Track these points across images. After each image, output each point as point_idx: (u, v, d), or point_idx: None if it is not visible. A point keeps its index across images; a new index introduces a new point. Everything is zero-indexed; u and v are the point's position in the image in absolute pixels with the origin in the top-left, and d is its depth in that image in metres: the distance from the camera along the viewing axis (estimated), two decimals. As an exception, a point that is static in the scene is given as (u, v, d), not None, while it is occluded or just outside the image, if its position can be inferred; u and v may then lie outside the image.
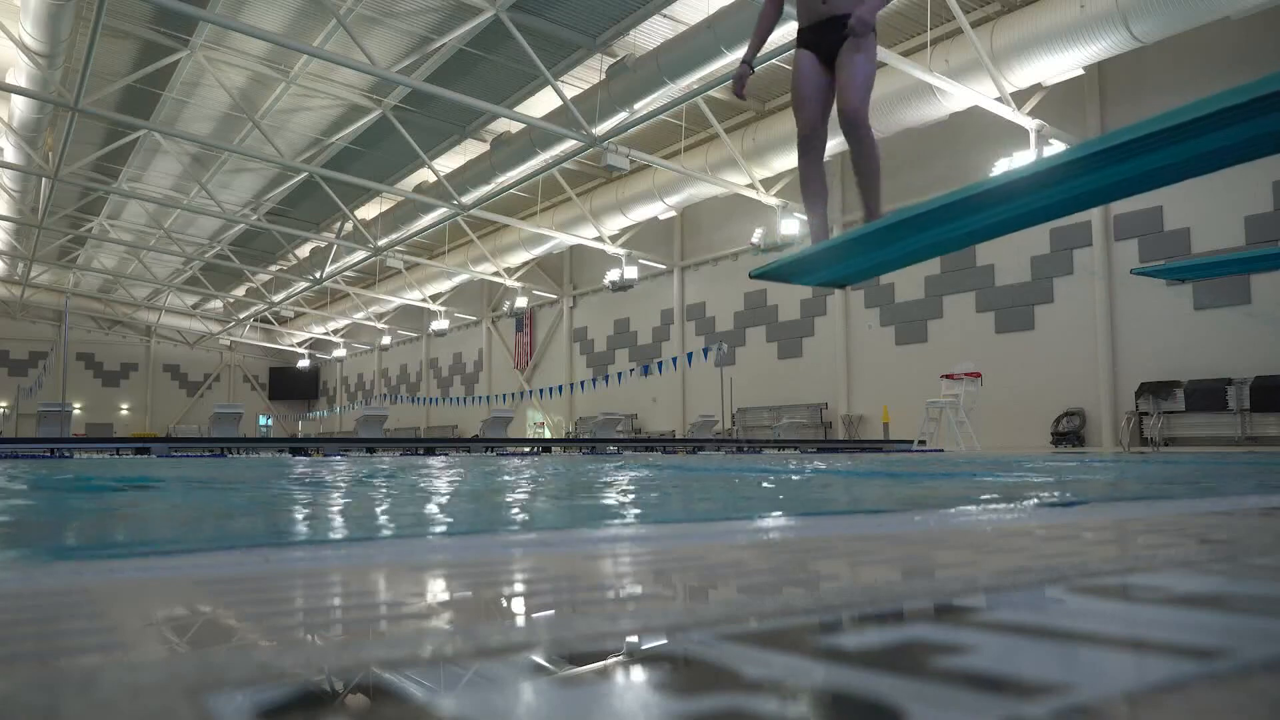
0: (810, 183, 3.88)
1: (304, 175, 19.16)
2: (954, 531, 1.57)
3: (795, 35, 3.87)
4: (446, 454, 12.76)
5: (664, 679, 0.57)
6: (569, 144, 14.37)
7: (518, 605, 0.93)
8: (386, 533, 2.20)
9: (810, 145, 3.80)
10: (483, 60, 14.45)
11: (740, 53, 11.56)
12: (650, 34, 13.58)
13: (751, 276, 3.82)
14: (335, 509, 2.96)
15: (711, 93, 13.15)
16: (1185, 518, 1.77)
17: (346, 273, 25.88)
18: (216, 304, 33.79)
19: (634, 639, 0.71)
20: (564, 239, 20.41)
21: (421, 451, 13.45)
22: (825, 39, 3.68)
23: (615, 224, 19.23)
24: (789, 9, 4.00)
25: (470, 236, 22.89)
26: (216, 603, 0.90)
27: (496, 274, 23.76)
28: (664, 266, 21.66)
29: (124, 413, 36.14)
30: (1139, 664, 0.61)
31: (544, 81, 13.15)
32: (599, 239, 19.57)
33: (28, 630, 0.77)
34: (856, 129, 3.68)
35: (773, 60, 11.09)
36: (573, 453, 14.33)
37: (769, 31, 4.08)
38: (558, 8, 12.84)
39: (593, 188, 20.05)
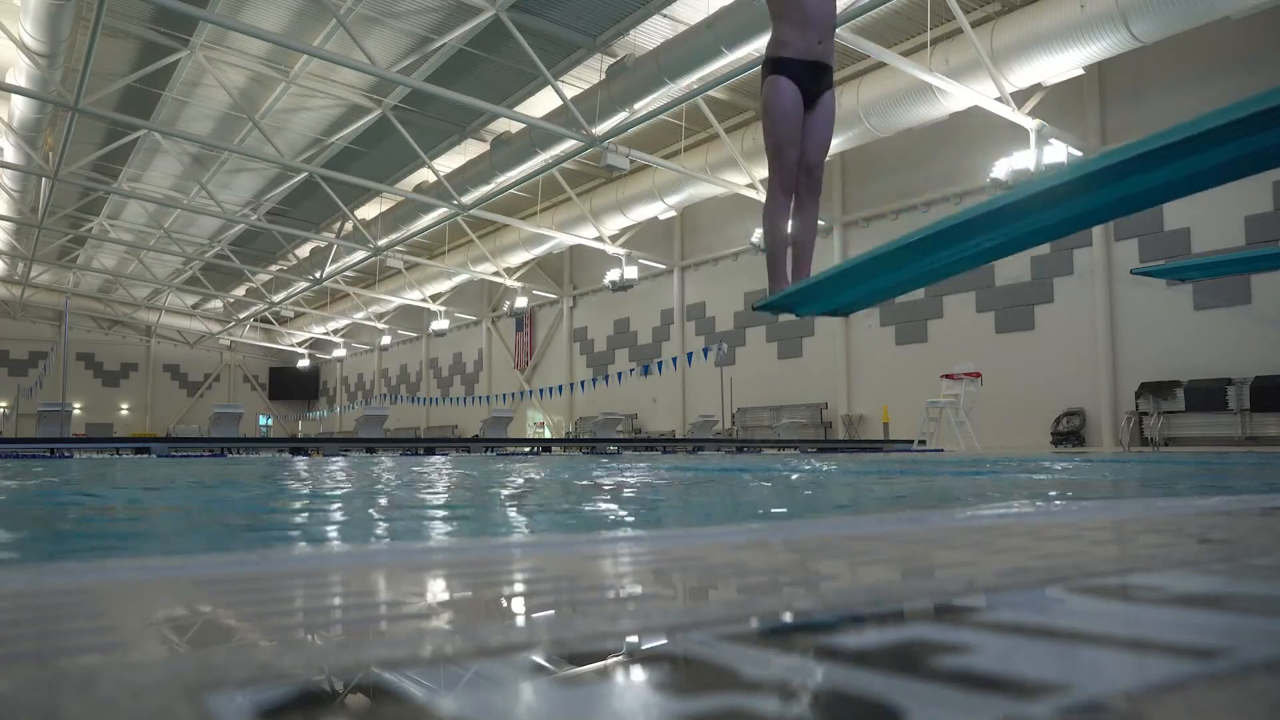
0: (783, 229, 3.60)
1: (304, 175, 19.16)
2: (954, 531, 1.57)
3: (773, 61, 3.55)
4: (446, 454, 12.76)
5: (664, 679, 0.57)
6: (569, 144, 14.37)
7: (518, 605, 0.93)
8: (386, 533, 2.20)
9: (791, 186, 3.58)
10: (483, 60, 14.44)
11: (741, 52, 11.55)
12: (650, 34, 13.58)
13: (755, 309, 3.73)
14: (334, 509, 2.96)
15: (711, 93, 13.15)
16: (1185, 518, 1.77)
17: (346, 273, 25.88)
18: (216, 304, 33.79)
19: (634, 639, 0.71)
20: (564, 239, 20.41)
21: (421, 451, 13.45)
22: (809, 81, 3.53)
23: (615, 224, 19.23)
24: (782, 34, 3.58)
25: (470, 236, 22.90)
26: (216, 603, 0.90)
27: (496, 274, 23.76)
28: (664, 266, 21.66)
29: (124, 413, 36.15)
30: (1139, 664, 0.61)
31: (544, 81, 13.15)
32: (599, 239, 19.58)
33: (28, 630, 0.77)
34: (819, 180, 3.62)
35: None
36: (573, 452, 14.33)
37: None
38: (558, 8, 12.84)
39: (593, 188, 20.05)
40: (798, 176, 3.59)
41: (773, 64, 3.54)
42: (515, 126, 16.20)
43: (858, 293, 3.39)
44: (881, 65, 12.59)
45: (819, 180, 3.62)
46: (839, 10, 4.08)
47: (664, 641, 0.70)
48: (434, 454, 12.70)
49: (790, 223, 3.64)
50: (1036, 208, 2.33)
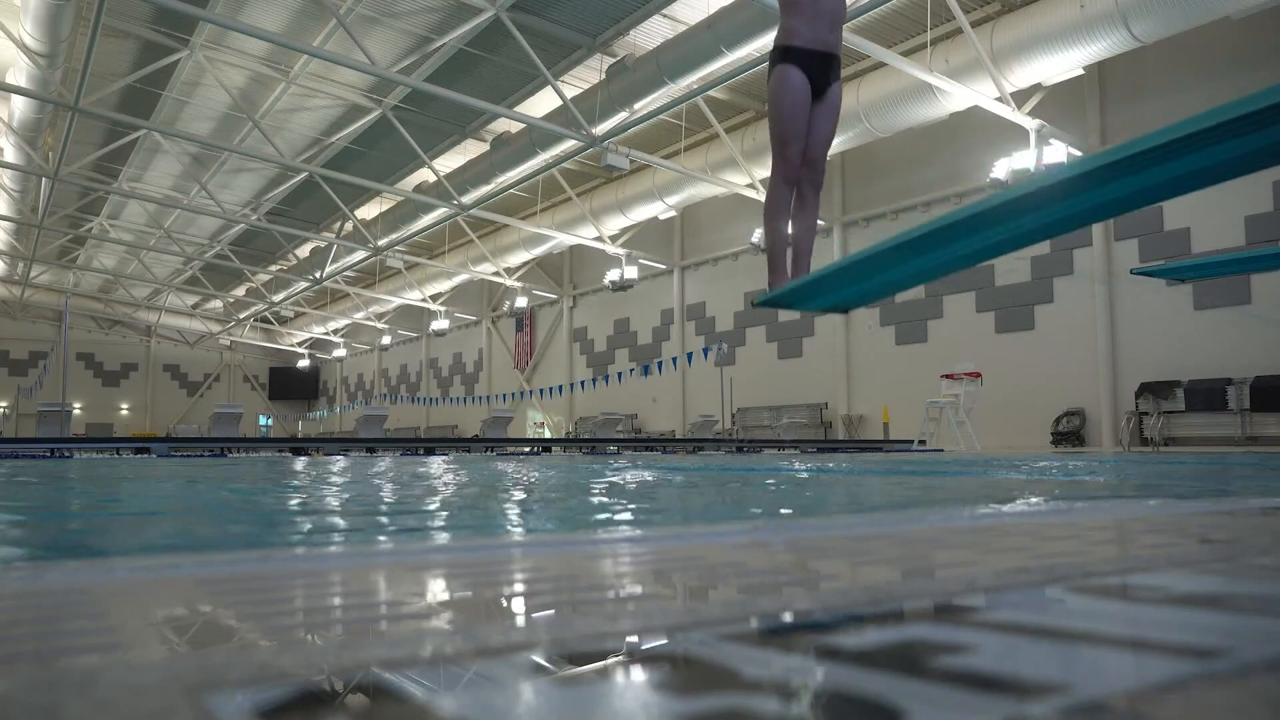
0: (785, 222, 3.53)
1: (304, 175, 19.16)
2: (954, 531, 1.57)
3: (782, 49, 3.45)
4: (446, 454, 12.76)
5: (664, 679, 0.57)
6: (569, 144, 14.37)
7: (518, 605, 0.93)
8: (386, 532, 2.20)
9: (795, 179, 3.50)
10: (483, 60, 14.44)
11: (741, 52, 11.55)
12: (650, 34, 13.58)
13: (755, 306, 3.69)
14: (334, 509, 2.96)
15: (711, 93, 13.15)
16: (1185, 518, 1.77)
17: (346, 273, 25.89)
18: (216, 304, 33.79)
19: (634, 639, 0.71)
20: (564, 239, 20.41)
21: (421, 451, 13.45)
22: (819, 72, 3.45)
23: (615, 224, 19.23)
24: (792, 23, 3.49)
25: (470, 236, 22.90)
26: (216, 603, 0.90)
27: (496, 274, 23.76)
28: (664, 266, 21.66)
29: (124, 413, 36.15)
30: (1139, 664, 0.61)
31: (544, 81, 13.15)
32: (599, 239, 19.58)
33: (28, 630, 0.77)
34: (821, 173, 3.56)
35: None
36: (572, 452, 14.33)
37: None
38: (558, 8, 12.84)
39: (593, 188, 20.05)
40: (801, 170, 3.52)
41: (782, 53, 3.45)
42: (515, 126, 16.20)
43: (858, 289, 3.36)
44: (881, 65, 12.59)
45: (822, 173, 3.56)
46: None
47: (664, 641, 0.70)
48: (434, 454, 12.70)
49: (791, 218, 3.57)
50: (1034, 206, 2.31)
